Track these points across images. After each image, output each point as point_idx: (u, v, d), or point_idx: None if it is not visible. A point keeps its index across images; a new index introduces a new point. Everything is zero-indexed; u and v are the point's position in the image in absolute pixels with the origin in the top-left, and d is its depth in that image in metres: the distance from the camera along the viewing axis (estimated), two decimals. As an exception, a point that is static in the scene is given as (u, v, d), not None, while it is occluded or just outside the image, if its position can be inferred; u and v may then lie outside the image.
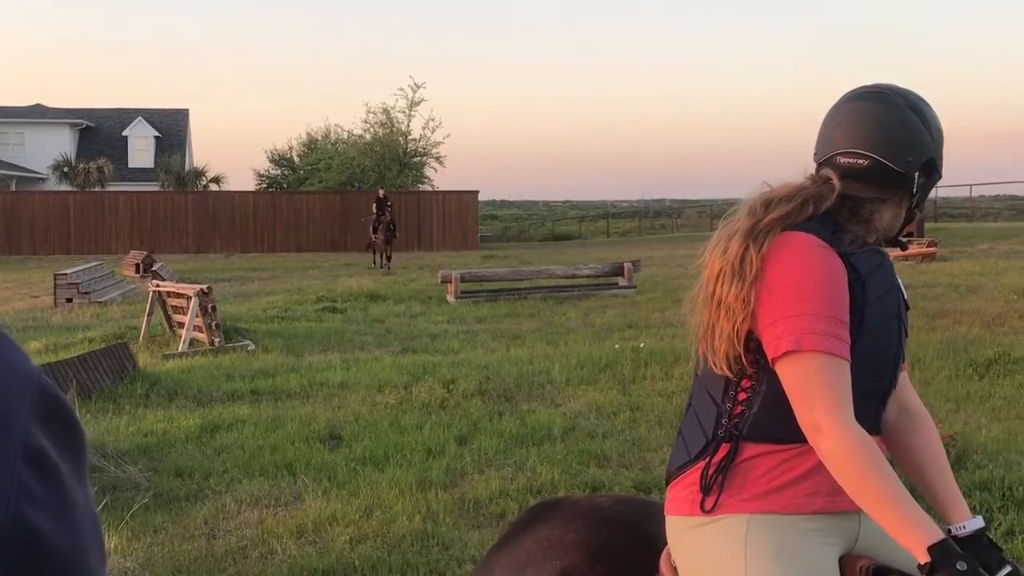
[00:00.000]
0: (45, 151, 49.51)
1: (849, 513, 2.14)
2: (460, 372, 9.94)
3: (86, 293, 18.18)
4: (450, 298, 17.32)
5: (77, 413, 0.83)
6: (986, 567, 1.97)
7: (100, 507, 5.91)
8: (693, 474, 2.19)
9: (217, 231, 39.95)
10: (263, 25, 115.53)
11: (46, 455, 0.76)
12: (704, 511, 2.14)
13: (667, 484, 2.28)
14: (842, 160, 2.23)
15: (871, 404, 2.16)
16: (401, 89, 59.34)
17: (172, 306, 13.14)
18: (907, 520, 1.94)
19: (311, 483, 6.46)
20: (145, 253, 27.68)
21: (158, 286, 13.37)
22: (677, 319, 11.05)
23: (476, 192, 43.19)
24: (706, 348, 2.18)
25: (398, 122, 49.59)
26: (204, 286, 12.39)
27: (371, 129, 50.33)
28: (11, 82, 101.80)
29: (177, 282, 15.52)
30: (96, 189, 44.51)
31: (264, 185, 53.59)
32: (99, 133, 53.85)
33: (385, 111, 49.74)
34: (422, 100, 54.47)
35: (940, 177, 2.30)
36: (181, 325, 12.46)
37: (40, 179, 48.57)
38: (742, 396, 2.16)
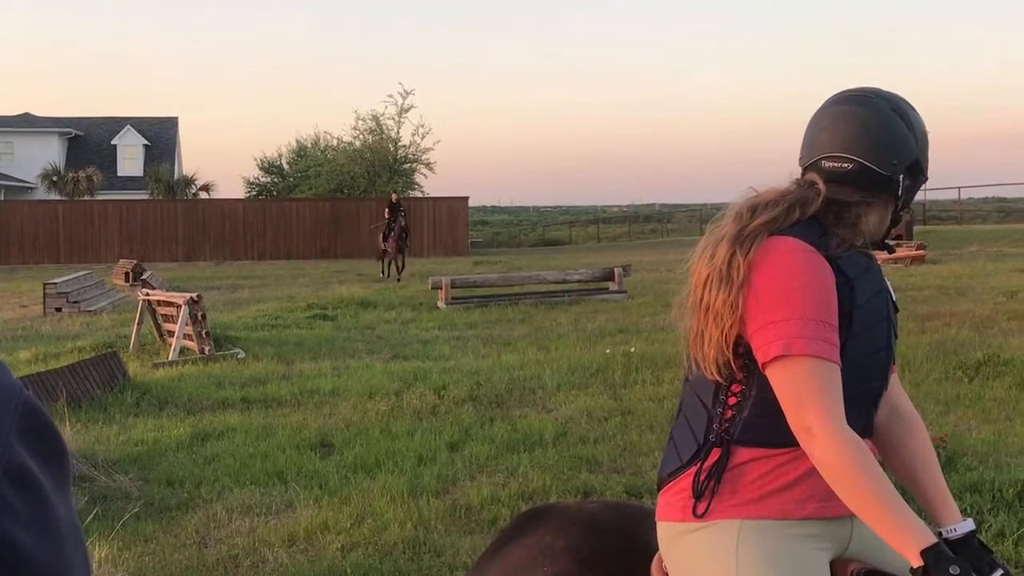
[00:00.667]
0: (34, 160, 49.35)
1: (841, 518, 2.14)
2: (451, 378, 9.93)
3: (75, 302, 18.13)
4: (441, 304, 17.31)
5: (62, 425, 0.82)
6: (978, 570, 1.97)
7: (90, 517, 5.89)
8: (685, 479, 2.19)
9: (207, 239, 39.88)
10: (252, 33, 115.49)
11: (28, 470, 0.75)
12: (696, 516, 2.14)
13: (659, 489, 2.28)
14: (827, 164, 2.23)
15: (862, 407, 2.16)
16: (390, 96, 59.56)
17: (162, 315, 13.10)
18: (900, 524, 1.94)
19: (302, 491, 6.44)
20: (135, 262, 27.57)
21: (148, 295, 13.34)
22: (667, 324, 11.06)
23: (466, 198, 43.20)
24: (696, 354, 2.17)
25: (388, 129, 49.60)
26: (194, 294, 12.36)
27: (361, 136, 50.33)
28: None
29: (167, 290, 15.49)
30: (85, 198, 44.39)
31: (254, 193, 53.48)
32: (88, 142, 53.71)
33: (375, 118, 49.74)
34: (411, 107, 54.36)
35: (926, 179, 2.30)
36: (171, 334, 12.42)
37: (29, 188, 48.40)
38: (732, 401, 2.16)
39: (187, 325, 12.03)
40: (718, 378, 2.14)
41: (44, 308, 17.96)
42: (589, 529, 2.48)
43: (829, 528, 2.15)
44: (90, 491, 6.51)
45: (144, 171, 51.75)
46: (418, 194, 48.64)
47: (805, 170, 2.28)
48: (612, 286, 18.17)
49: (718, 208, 2.33)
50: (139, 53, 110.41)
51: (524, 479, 6.54)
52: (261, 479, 6.80)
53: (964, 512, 5.11)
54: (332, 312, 16.76)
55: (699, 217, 53.33)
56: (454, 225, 41.61)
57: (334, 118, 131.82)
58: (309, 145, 53.76)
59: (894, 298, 2.29)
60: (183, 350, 12.13)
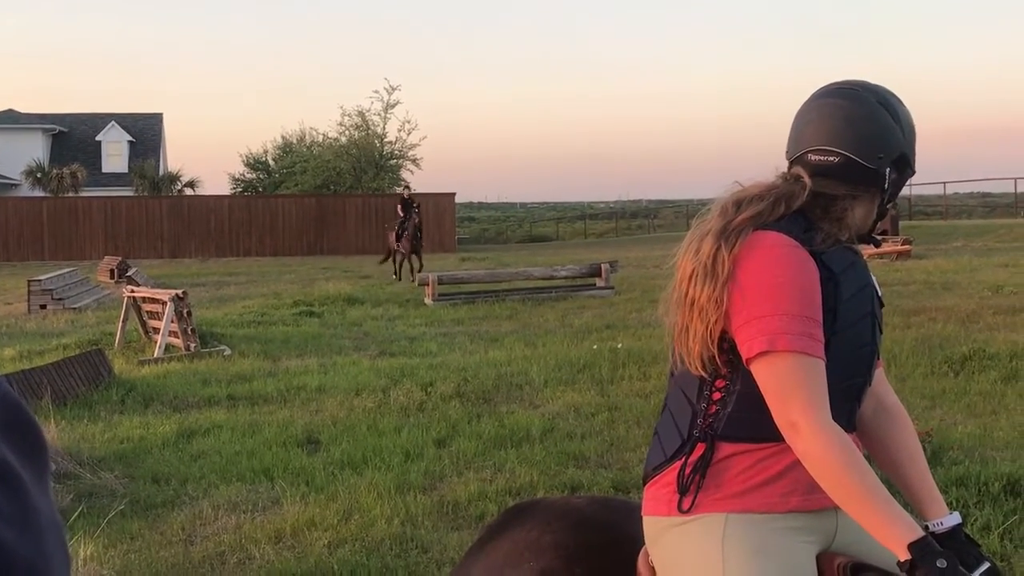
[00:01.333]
0: (17, 157, 49.07)
1: (826, 511, 2.14)
2: (438, 375, 9.93)
3: (60, 299, 18.05)
4: (428, 301, 17.30)
5: (47, 423, 0.82)
6: (965, 563, 1.98)
7: (76, 514, 5.87)
8: (670, 474, 2.18)
9: (192, 236, 39.77)
10: (237, 29, 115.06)
11: (8, 465, 0.75)
12: (681, 511, 2.14)
13: (644, 484, 2.28)
14: (813, 158, 2.22)
15: (847, 401, 2.16)
16: (376, 92, 59.61)
17: (147, 312, 13.06)
18: (886, 517, 1.94)
19: (289, 488, 6.43)
20: (119, 259, 27.48)
21: (133, 292, 13.29)
22: (654, 319, 11.06)
23: (453, 194, 43.18)
24: (681, 348, 2.17)
25: (373, 125, 49.53)
26: (179, 291, 12.32)
27: (346, 132, 50.24)
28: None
29: (152, 287, 15.44)
30: (69, 195, 44.17)
31: (239, 189, 53.35)
32: (72, 138, 53.45)
33: (360, 114, 49.67)
34: (397, 102, 54.31)
35: (913, 173, 2.29)
36: (156, 331, 12.38)
37: (13, 185, 48.17)
38: (717, 396, 2.16)
39: (172, 322, 11.99)
40: (702, 373, 2.14)
41: (28, 305, 17.88)
42: (576, 524, 2.47)
43: (814, 521, 2.15)
44: (75, 489, 6.48)
45: (129, 168, 51.51)
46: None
47: (791, 164, 2.28)
48: (599, 282, 18.18)
49: (705, 204, 2.33)
50: (124, 49, 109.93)
51: (511, 475, 6.54)
52: (247, 476, 6.78)
53: (950, 506, 5.14)
54: (319, 309, 16.73)
55: (686, 213, 53.42)
56: (441, 221, 41.56)
57: (320, 114, 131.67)
58: (295, 141, 53.62)
59: (879, 293, 2.28)
60: (168, 347, 12.09)
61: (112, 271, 25.30)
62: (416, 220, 24.31)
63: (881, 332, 2.28)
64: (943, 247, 27.02)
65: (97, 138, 53.48)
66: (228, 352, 12.02)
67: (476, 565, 2.54)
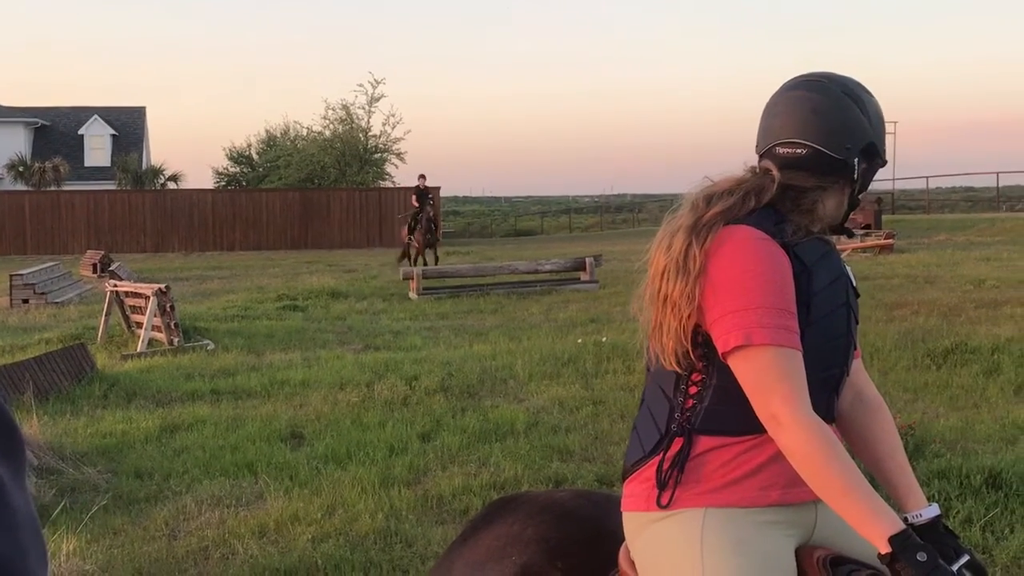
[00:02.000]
0: (-1, 151, 48.84)
1: (805, 504, 2.15)
2: (423, 369, 9.92)
3: (42, 294, 17.97)
4: (412, 295, 17.28)
5: (29, 418, 0.82)
6: (944, 556, 1.99)
7: (58, 509, 5.84)
8: (648, 469, 2.19)
9: (175, 230, 39.60)
10: (220, 22, 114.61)
11: None
12: (660, 506, 2.14)
13: (623, 480, 2.28)
14: (781, 150, 2.23)
15: (823, 393, 2.17)
16: (360, 85, 59.33)
17: (130, 306, 13.01)
18: (867, 510, 1.95)
19: (272, 482, 6.42)
20: (102, 253, 27.37)
21: (116, 286, 13.23)
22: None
23: (438, 188, 42.95)
24: (655, 345, 2.17)
25: (358, 118, 49.41)
26: (162, 285, 12.28)
27: (331, 126, 50.11)
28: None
29: (135, 282, 15.37)
30: (52, 188, 43.94)
31: (223, 183, 53.17)
32: (54, 132, 53.15)
33: (345, 107, 49.54)
34: (382, 96, 54.29)
35: (884, 163, 2.30)
36: (139, 325, 12.34)
37: (-5, 179, 47.90)
38: (693, 390, 2.16)
39: (155, 316, 11.95)
40: (677, 369, 2.14)
41: (11, 300, 17.78)
42: (558, 518, 2.48)
43: (793, 514, 2.15)
44: (58, 484, 6.46)
45: (111, 161, 51.28)
46: (389, 184, 48.51)
47: (761, 157, 2.28)
48: (584, 276, 18.19)
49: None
50: (106, 43, 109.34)
51: (496, 469, 6.55)
52: (231, 471, 6.76)
53: (932, 499, 5.16)
54: (303, 303, 16.70)
55: (670, 207, 53.34)
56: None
57: (304, 107, 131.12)
58: (279, 135, 53.48)
59: (854, 284, 2.29)
60: (152, 342, 12.04)
61: (95, 265, 25.20)
62: (430, 212, 23.24)
63: (857, 323, 2.28)
64: (925, 241, 27.15)
65: (79, 132, 53.19)
66: (211, 346, 11.98)
67: (459, 559, 2.54)
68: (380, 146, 49.85)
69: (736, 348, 2.03)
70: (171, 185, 48.36)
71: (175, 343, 11.92)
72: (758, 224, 2.12)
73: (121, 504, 6.17)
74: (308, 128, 52.20)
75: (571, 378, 9.43)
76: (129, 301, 12.99)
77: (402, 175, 54.31)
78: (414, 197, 24.15)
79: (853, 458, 2.11)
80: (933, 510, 2.17)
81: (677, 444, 2.15)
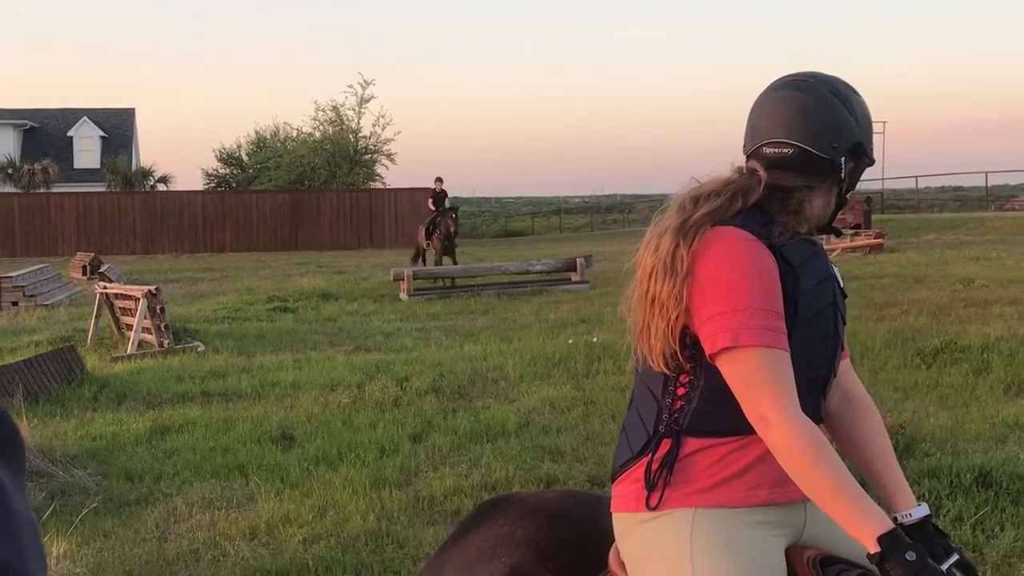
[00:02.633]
0: (-12, 153, 48.67)
1: (794, 504, 2.15)
2: (414, 370, 9.91)
3: (32, 296, 17.90)
4: (403, 296, 17.27)
5: (18, 420, 0.82)
6: (934, 555, 1.99)
7: (48, 512, 5.83)
8: (637, 470, 2.19)
9: (165, 232, 39.55)
10: (209, 23, 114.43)
11: None
12: (649, 507, 2.14)
13: (612, 481, 2.28)
14: (768, 151, 2.23)
15: (811, 393, 2.17)
16: (351, 86, 59.48)
17: (120, 308, 12.97)
18: (856, 510, 1.95)
19: (263, 484, 6.41)
20: (92, 255, 27.27)
21: (105, 288, 13.20)
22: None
23: (428, 189, 43.10)
24: (643, 346, 2.17)
25: (348, 119, 49.43)
26: (152, 287, 12.24)
27: (321, 127, 50.14)
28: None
29: (125, 283, 15.34)
30: (41, 191, 43.83)
31: (213, 184, 53.09)
32: (43, 134, 53.01)
33: (335, 108, 49.58)
34: (372, 97, 54.29)
35: (872, 162, 2.30)
36: (129, 327, 12.30)
37: (-16, 181, 47.74)
38: (681, 391, 2.16)
39: (145, 318, 11.92)
40: (665, 370, 2.15)
41: (0, 302, 17.72)
42: (548, 519, 2.48)
43: (783, 514, 2.16)
44: (48, 486, 6.44)
45: (101, 163, 51.18)
46: (379, 185, 48.51)
47: (748, 158, 2.29)
48: (574, 276, 18.21)
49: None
50: (95, 44, 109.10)
51: (487, 470, 6.55)
52: (222, 472, 6.75)
53: (922, 498, 5.18)
54: (293, 304, 16.67)
55: (660, 207, 53.48)
56: (416, 216, 41.39)
57: (294, 109, 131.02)
58: (268, 136, 53.45)
59: (841, 285, 2.29)
60: (142, 343, 12.01)
61: (84, 267, 25.11)
62: (452, 216, 21.54)
63: (844, 323, 2.29)
64: (915, 241, 27.23)
65: (69, 133, 53.07)
66: (202, 348, 11.96)
67: (448, 561, 2.54)
68: (370, 147, 49.87)
69: (724, 349, 2.04)
70: (161, 187, 48.29)
71: (165, 345, 11.90)
72: (745, 225, 2.13)
73: (111, 506, 6.16)
74: (298, 129, 52.28)
75: (562, 378, 9.43)
76: (119, 303, 12.95)
77: (393, 176, 54.40)
78: (430, 201, 22.91)
79: (842, 458, 2.11)
80: (923, 510, 2.17)
81: (666, 445, 2.16)
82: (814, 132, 2.19)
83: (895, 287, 15.74)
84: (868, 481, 2.31)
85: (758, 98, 2.30)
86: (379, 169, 50.48)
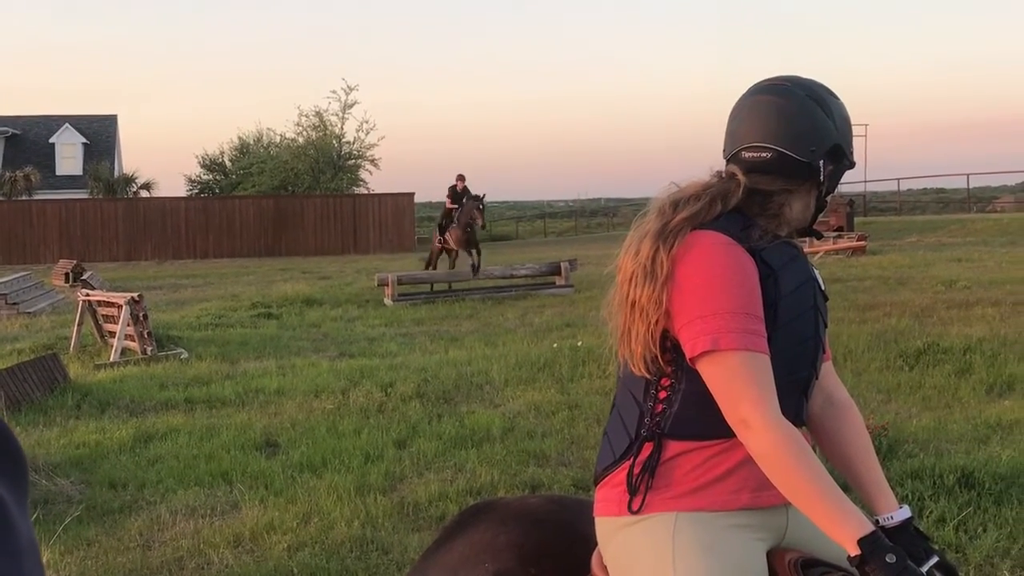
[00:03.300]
0: (-31, 160, 48.41)
1: (776, 507, 2.16)
2: (398, 375, 9.90)
3: (14, 304, 17.80)
4: (387, 301, 17.24)
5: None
6: (914, 557, 2.00)
7: (31, 520, 5.78)
8: (619, 474, 2.19)
9: (148, 238, 39.39)
10: (192, 29, 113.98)
11: None
12: (632, 511, 2.14)
13: (595, 485, 2.29)
14: (746, 155, 2.24)
15: (792, 396, 2.18)
16: (334, 92, 59.46)
17: (103, 315, 12.91)
18: (837, 513, 1.96)
19: (247, 491, 6.38)
20: (75, 262, 27.14)
21: (88, 295, 13.14)
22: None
23: (412, 194, 43.11)
24: (623, 351, 2.19)
25: (331, 125, 49.40)
26: (135, 294, 12.20)
27: (304, 132, 50.11)
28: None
29: (108, 291, 15.27)
30: (23, 198, 43.63)
31: (196, 191, 52.94)
32: (25, 141, 52.72)
33: (318, 114, 49.57)
34: (355, 103, 54.29)
35: (852, 164, 2.31)
36: (112, 334, 12.25)
37: (-35, 189, 47.44)
38: (663, 395, 2.17)
39: (128, 325, 11.87)
40: (646, 374, 2.15)
41: (-19, 310, 17.61)
42: (531, 524, 2.48)
43: (764, 518, 2.16)
44: (31, 495, 6.39)
45: (83, 170, 50.93)
46: (363, 190, 48.47)
47: (728, 162, 2.30)
48: (559, 280, 18.22)
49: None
50: (76, 50, 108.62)
51: (472, 475, 6.54)
52: (205, 480, 6.72)
53: (905, 499, 5.20)
54: (277, 310, 16.62)
55: (641, 212, 53.53)
56: (400, 221, 41.51)
57: (277, 115, 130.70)
58: (252, 142, 53.37)
59: (822, 287, 2.30)
60: (125, 351, 11.96)
61: (67, 275, 24.99)
62: (479, 207, 20.19)
63: (826, 326, 2.30)
64: (897, 243, 27.35)
65: (51, 140, 52.78)
66: (185, 355, 11.92)
67: (432, 567, 2.53)
68: (354, 152, 49.85)
69: (704, 353, 2.04)
70: (143, 193, 48.12)
71: (148, 352, 11.85)
72: (724, 229, 2.14)
73: (95, 515, 6.13)
74: (281, 135, 52.23)
75: (547, 383, 9.43)
76: (102, 310, 12.90)
77: (377, 181, 54.39)
78: (448, 199, 21.42)
79: (824, 461, 2.12)
80: (904, 512, 2.18)
81: (647, 449, 2.16)
82: (793, 136, 2.20)
83: (878, 289, 15.80)
84: (850, 484, 2.32)
85: (737, 102, 2.31)
86: (363, 174, 50.52)
